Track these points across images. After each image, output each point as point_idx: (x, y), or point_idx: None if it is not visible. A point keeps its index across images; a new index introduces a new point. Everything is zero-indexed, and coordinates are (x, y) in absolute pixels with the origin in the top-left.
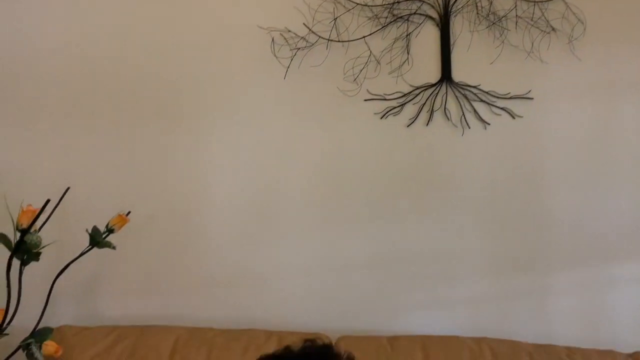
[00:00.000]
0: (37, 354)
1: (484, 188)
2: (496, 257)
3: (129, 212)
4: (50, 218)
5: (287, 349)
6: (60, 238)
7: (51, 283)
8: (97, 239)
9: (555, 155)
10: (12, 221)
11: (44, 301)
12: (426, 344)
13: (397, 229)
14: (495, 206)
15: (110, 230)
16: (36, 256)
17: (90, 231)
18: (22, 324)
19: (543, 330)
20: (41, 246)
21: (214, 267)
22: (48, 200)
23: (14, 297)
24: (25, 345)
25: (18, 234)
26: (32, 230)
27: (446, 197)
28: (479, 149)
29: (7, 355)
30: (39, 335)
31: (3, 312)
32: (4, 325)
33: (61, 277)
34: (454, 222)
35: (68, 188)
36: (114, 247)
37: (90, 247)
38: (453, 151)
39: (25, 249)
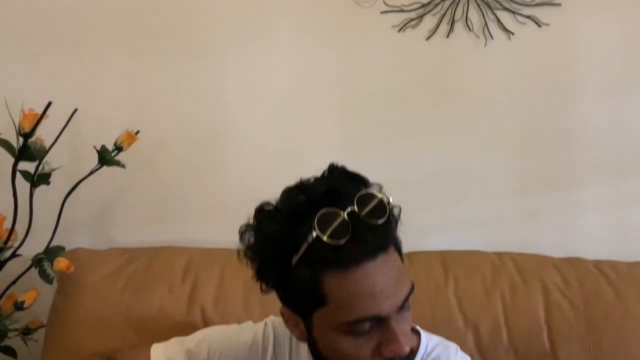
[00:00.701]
0: (48, 270)
1: (507, 102)
2: (520, 175)
3: (137, 132)
4: (59, 141)
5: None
6: (69, 162)
7: (61, 203)
8: (106, 157)
9: (584, 67)
10: (15, 127)
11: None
12: (445, 258)
13: (416, 148)
14: (520, 121)
15: (118, 148)
16: (45, 178)
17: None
18: (34, 249)
19: (570, 249)
20: (51, 170)
21: (229, 191)
22: (50, 103)
23: (24, 220)
24: (36, 262)
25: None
26: (35, 136)
27: (468, 112)
28: (503, 61)
29: (20, 273)
30: (51, 252)
31: (8, 232)
32: (8, 243)
33: (75, 205)
34: (476, 138)
35: (76, 109)
36: (123, 166)
37: (99, 165)
38: (475, 64)
39: (29, 155)
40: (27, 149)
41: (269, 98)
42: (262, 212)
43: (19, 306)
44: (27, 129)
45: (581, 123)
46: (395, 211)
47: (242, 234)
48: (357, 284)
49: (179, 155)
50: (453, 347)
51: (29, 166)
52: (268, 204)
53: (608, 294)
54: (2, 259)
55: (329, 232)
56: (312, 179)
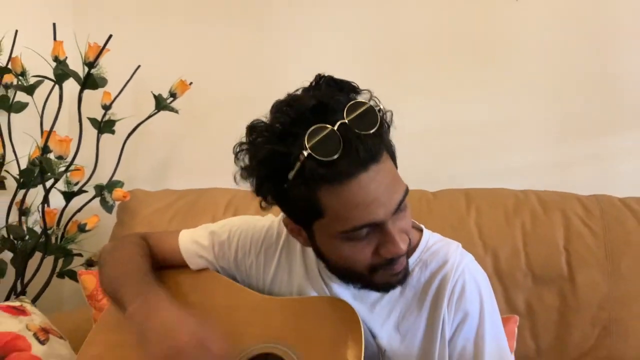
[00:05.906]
0: (108, 198)
1: (543, 50)
2: (556, 124)
3: (191, 83)
4: (123, 94)
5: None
6: (132, 113)
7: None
8: (162, 103)
9: (621, 10)
10: (81, 56)
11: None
12: (470, 193)
13: (452, 99)
14: (556, 70)
15: (172, 95)
16: (110, 126)
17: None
18: None
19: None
20: (117, 119)
21: None
22: (110, 36)
23: (91, 161)
24: (98, 190)
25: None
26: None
27: (503, 62)
28: (538, 8)
29: (85, 202)
30: (111, 185)
31: (83, 171)
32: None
33: (137, 160)
34: (511, 88)
35: (139, 66)
36: (176, 111)
37: (155, 111)
38: (509, 12)
39: (92, 82)
40: (90, 77)
41: (320, 60)
42: (254, 130)
43: (81, 227)
44: (91, 59)
45: (617, 70)
46: (388, 116)
47: (236, 154)
48: (351, 196)
49: (231, 113)
50: (454, 244)
51: (96, 114)
52: (259, 121)
53: (630, 222)
54: (70, 190)
55: (320, 149)
56: (300, 91)
